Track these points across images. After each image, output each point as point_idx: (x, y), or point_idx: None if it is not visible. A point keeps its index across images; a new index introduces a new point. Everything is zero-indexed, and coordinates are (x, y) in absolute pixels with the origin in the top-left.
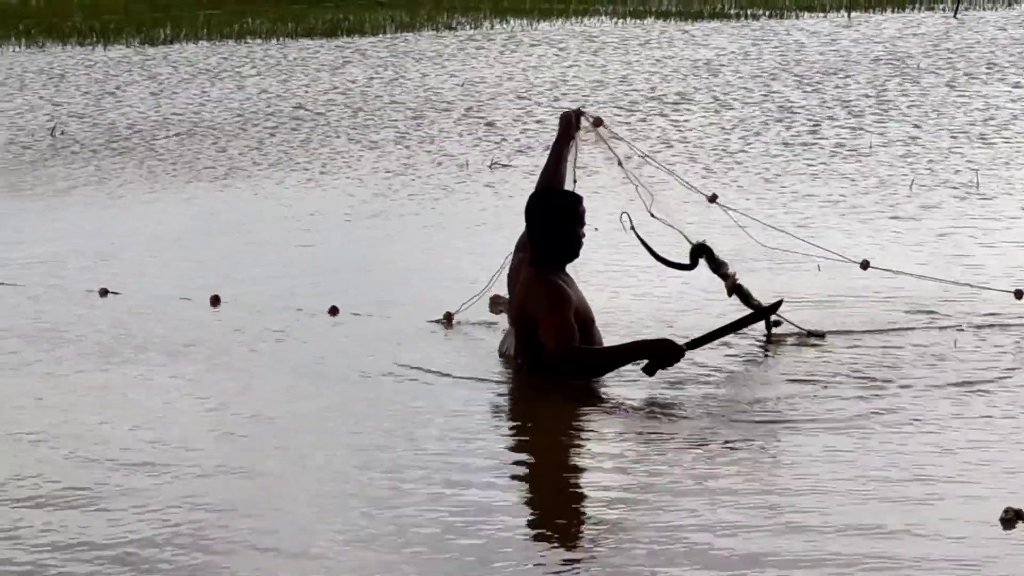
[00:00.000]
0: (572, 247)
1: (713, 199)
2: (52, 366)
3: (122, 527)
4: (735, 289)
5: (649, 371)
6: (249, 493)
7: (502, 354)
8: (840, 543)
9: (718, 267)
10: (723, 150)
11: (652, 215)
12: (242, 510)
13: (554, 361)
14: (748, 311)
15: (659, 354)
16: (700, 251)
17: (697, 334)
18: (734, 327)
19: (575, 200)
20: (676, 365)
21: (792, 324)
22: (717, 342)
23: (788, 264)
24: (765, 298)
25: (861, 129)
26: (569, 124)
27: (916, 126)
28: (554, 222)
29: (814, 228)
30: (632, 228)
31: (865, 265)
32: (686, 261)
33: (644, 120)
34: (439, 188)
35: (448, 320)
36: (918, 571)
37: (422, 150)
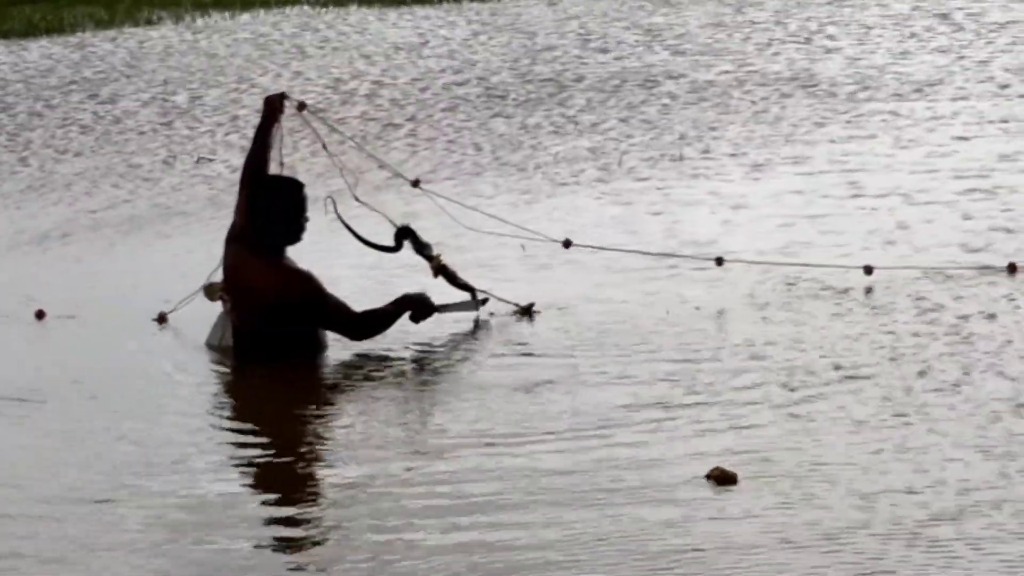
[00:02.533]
0: (298, 233)
1: (416, 184)
2: None
3: None
4: (440, 270)
5: (415, 320)
6: None
7: (214, 345)
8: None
9: (422, 249)
10: (426, 135)
11: (356, 199)
12: None
13: (353, 328)
14: (459, 291)
15: (421, 306)
16: (404, 234)
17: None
18: (474, 305)
19: (299, 187)
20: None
21: (505, 301)
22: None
23: (494, 246)
24: (472, 279)
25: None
26: (274, 108)
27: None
28: (279, 209)
29: (521, 208)
30: (336, 213)
31: (567, 244)
32: (391, 244)
33: (348, 105)
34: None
35: (162, 320)
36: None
37: (158, 145)
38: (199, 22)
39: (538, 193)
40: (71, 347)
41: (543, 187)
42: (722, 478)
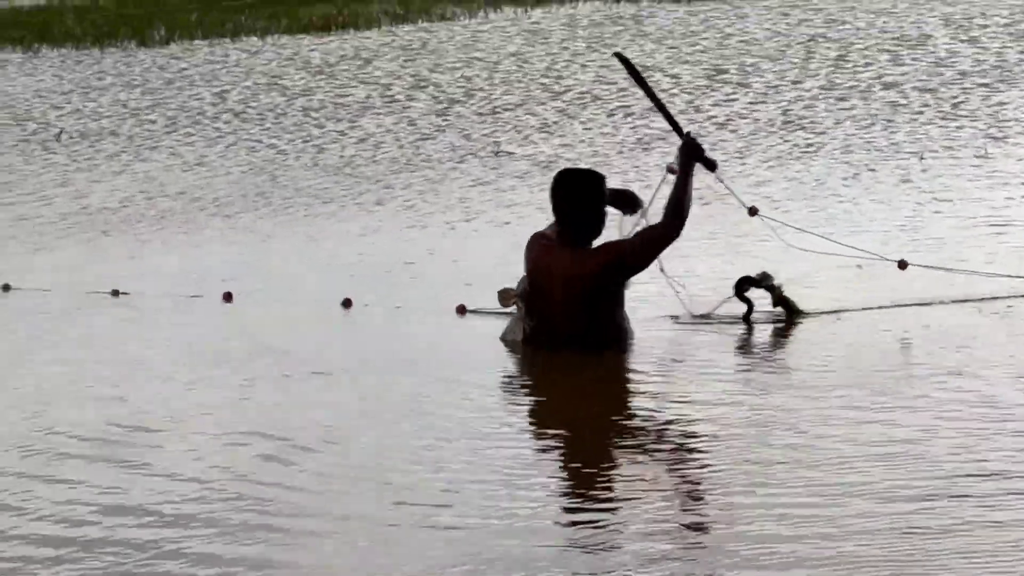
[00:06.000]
0: (599, 224)
1: (753, 212)
2: None
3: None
4: (781, 301)
5: (711, 168)
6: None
7: (505, 340)
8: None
9: (762, 282)
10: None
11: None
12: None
13: (645, 254)
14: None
15: (693, 156)
16: (745, 283)
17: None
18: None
19: (600, 179)
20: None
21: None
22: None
23: (829, 267)
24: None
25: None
26: (692, 158)
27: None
28: (583, 201)
29: (858, 229)
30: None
31: (903, 265)
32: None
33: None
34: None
35: (461, 313)
36: None
37: (439, 139)
38: (492, 16)
39: (865, 209)
40: (373, 332)
41: (866, 201)
42: None
